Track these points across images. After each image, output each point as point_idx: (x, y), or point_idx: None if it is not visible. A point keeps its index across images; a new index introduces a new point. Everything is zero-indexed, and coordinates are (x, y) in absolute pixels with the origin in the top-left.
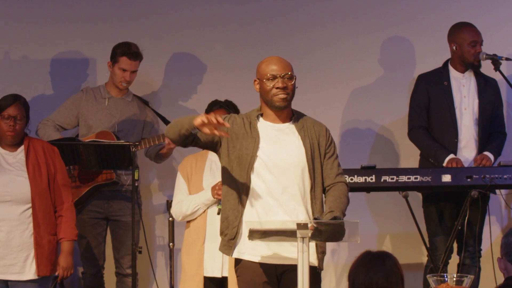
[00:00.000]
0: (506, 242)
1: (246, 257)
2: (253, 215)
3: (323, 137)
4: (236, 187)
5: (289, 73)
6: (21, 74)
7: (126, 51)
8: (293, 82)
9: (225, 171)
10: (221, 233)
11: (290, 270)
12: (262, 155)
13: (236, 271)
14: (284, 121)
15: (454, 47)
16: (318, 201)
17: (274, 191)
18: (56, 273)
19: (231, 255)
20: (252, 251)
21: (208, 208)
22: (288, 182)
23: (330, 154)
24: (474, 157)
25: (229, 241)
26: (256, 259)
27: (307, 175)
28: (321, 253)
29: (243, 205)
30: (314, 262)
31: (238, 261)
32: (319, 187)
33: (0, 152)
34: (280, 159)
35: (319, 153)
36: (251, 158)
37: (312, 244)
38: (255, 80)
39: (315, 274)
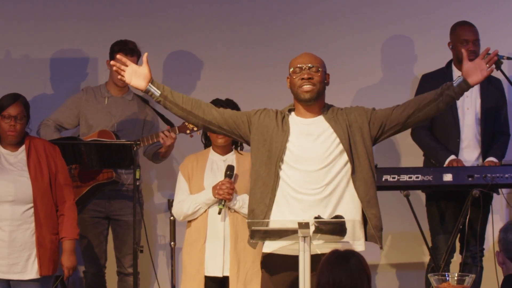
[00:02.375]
0: (505, 238)
1: (274, 250)
2: (280, 210)
3: (360, 115)
4: (263, 180)
5: (316, 65)
6: (21, 73)
7: (122, 47)
8: (320, 75)
9: (253, 164)
10: (248, 227)
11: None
12: (291, 148)
13: (262, 267)
14: (315, 115)
15: (450, 46)
16: (361, 182)
17: (303, 185)
18: (61, 273)
19: (255, 248)
20: (279, 243)
21: (209, 207)
22: (318, 174)
23: (380, 112)
24: (477, 157)
25: None
26: (284, 251)
27: (343, 162)
28: (379, 231)
29: (270, 198)
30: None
31: (264, 256)
32: (363, 170)
33: (1, 152)
34: (310, 152)
35: (362, 134)
36: (280, 151)
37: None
38: (287, 77)
39: None
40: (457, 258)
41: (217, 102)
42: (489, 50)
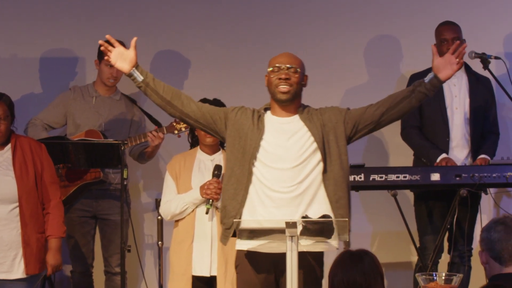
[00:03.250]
0: (488, 238)
1: (246, 247)
2: (253, 208)
3: (335, 115)
4: (237, 177)
5: (294, 66)
6: (10, 72)
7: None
8: (298, 76)
9: (228, 160)
10: (221, 222)
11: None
12: (265, 146)
13: (236, 267)
14: (291, 114)
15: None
16: (331, 182)
17: (277, 182)
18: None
19: (226, 245)
20: (251, 241)
21: (196, 207)
22: (291, 172)
23: (354, 111)
24: (466, 156)
25: (225, 230)
26: (256, 249)
27: (316, 161)
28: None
29: (242, 195)
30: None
31: (238, 253)
32: (334, 169)
33: None
34: (284, 150)
35: (335, 134)
36: (254, 148)
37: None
38: (266, 75)
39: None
40: (445, 258)
41: (204, 102)
42: (458, 45)
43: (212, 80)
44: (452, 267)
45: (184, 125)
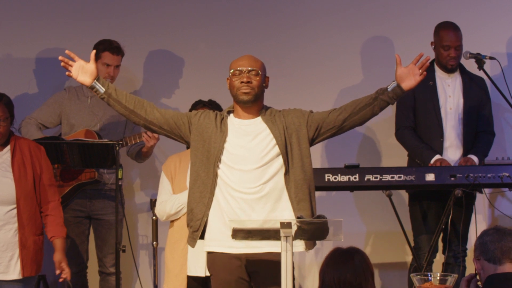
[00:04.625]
0: (482, 242)
1: (214, 248)
2: (219, 209)
3: (297, 117)
4: (202, 180)
5: (255, 69)
6: (4, 72)
7: (108, 46)
8: (259, 79)
9: (193, 164)
10: (187, 225)
11: (262, 267)
12: (229, 148)
13: (209, 269)
14: (253, 116)
15: (433, 46)
16: (292, 184)
17: (241, 183)
18: (58, 272)
19: (194, 247)
20: (219, 242)
21: None
22: (255, 173)
23: (317, 114)
24: (460, 157)
25: (193, 233)
26: (225, 250)
27: (280, 163)
28: None
29: (209, 198)
30: (300, 247)
31: (209, 256)
32: (295, 171)
33: None
34: (247, 151)
35: (298, 136)
36: (218, 151)
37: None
38: (227, 79)
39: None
40: (439, 258)
41: (199, 103)
42: (422, 56)
43: (206, 80)
44: (447, 267)
45: None
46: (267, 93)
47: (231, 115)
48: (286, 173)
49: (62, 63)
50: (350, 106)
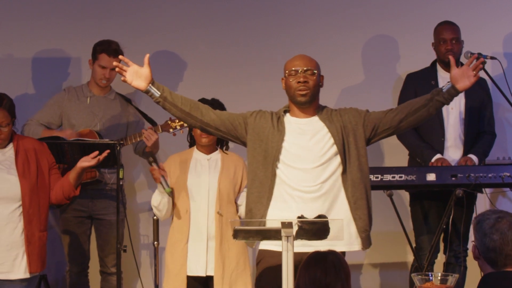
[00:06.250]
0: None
1: (270, 247)
2: (278, 209)
3: (354, 117)
4: (260, 180)
5: (311, 68)
6: (4, 72)
7: (105, 48)
8: (315, 78)
9: (250, 164)
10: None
11: None
12: (287, 147)
13: (257, 263)
14: (310, 116)
15: (433, 47)
16: (349, 183)
17: (300, 182)
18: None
19: (253, 246)
20: (276, 243)
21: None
22: (314, 172)
23: (373, 114)
24: (460, 157)
25: None
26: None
27: (338, 162)
28: (363, 233)
29: (267, 197)
30: (356, 246)
31: (261, 252)
32: (352, 171)
33: None
34: (306, 150)
35: (355, 136)
36: (276, 150)
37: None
38: (282, 79)
39: None
40: (441, 258)
41: (203, 102)
42: (476, 57)
43: (206, 80)
44: (448, 267)
45: (180, 123)
46: (271, 91)
47: (287, 114)
48: (344, 172)
49: (116, 69)
50: (406, 107)
